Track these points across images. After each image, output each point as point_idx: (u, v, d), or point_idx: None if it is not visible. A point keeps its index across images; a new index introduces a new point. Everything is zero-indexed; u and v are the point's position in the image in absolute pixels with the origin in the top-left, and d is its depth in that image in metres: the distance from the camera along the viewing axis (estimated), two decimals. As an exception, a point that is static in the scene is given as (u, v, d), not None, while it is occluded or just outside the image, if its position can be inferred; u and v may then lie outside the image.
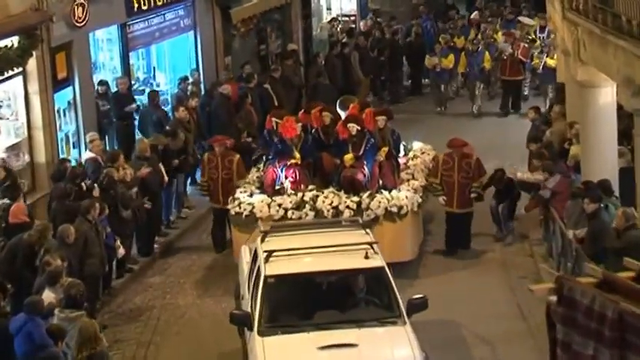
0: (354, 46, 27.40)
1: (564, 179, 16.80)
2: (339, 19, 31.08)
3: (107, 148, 19.45)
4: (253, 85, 22.74)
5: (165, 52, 23.13)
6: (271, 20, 27.39)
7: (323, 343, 11.94)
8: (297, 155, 17.35)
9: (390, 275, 12.84)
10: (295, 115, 18.37)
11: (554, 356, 9.45)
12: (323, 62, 26.46)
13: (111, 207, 16.15)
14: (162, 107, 21.27)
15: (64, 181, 16.35)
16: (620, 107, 16.50)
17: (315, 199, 16.75)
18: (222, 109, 21.44)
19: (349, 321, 12.42)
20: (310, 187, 17.07)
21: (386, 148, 17.67)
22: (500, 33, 27.65)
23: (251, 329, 12.43)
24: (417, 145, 19.20)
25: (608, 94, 16.63)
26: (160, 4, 21.98)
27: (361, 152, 17.24)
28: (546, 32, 26.24)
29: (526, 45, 26.23)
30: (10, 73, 17.50)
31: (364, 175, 17.11)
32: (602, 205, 14.85)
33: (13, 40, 17.36)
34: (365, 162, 17.23)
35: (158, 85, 22.52)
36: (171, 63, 23.32)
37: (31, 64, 17.93)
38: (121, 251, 16.18)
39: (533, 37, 26.70)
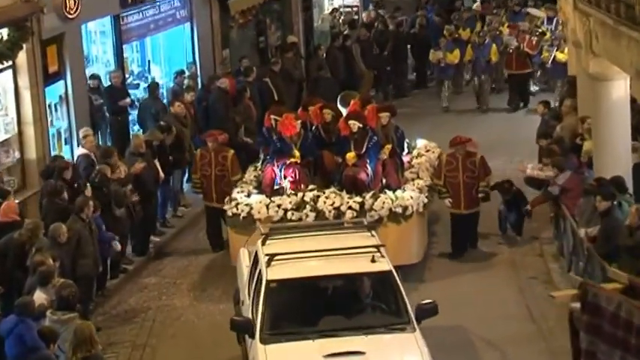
0: (356, 39, 27.49)
1: (575, 175, 16.70)
2: (341, 9, 31.07)
3: (99, 143, 19.40)
4: (252, 79, 22.70)
5: (160, 44, 23.03)
6: (271, 11, 27.34)
7: (329, 351, 11.81)
8: (297, 154, 17.16)
9: (398, 279, 12.72)
10: (295, 111, 18.30)
11: (578, 366, 9.49)
12: (324, 55, 26.35)
13: (104, 205, 16.04)
14: (162, 100, 21.35)
15: (53, 178, 16.26)
16: (633, 101, 16.50)
17: (315, 199, 16.59)
18: (219, 104, 21.28)
19: (356, 328, 12.26)
20: (310, 186, 16.92)
21: (389, 146, 17.50)
22: (506, 25, 27.68)
23: (252, 337, 12.30)
24: (421, 143, 19.12)
25: (621, 88, 16.50)
26: (155, -6, 22.11)
27: (363, 150, 17.08)
28: (554, 23, 26.30)
29: (534, 37, 26.20)
30: (0, 66, 17.30)
31: (367, 175, 16.94)
32: (615, 202, 14.76)
33: (3, 33, 17.21)
34: (368, 160, 17.05)
35: (153, 79, 22.48)
36: (166, 56, 23.23)
37: (21, 57, 17.77)
38: (117, 246, 15.99)
39: (543, 29, 26.68)
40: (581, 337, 9.29)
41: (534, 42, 26.03)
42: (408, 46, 28.80)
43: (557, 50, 25.40)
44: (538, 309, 15.15)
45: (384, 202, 16.46)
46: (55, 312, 12.23)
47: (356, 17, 30.64)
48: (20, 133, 18.07)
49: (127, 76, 21.49)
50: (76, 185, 16.20)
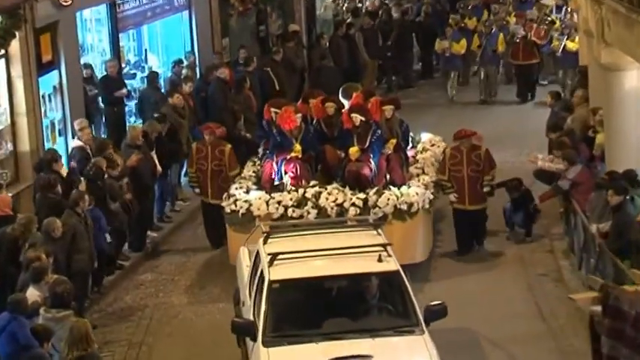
0: (359, 27, 27.49)
1: (586, 169, 16.64)
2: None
3: (94, 135, 19.26)
4: (252, 68, 22.63)
5: (157, 33, 23.02)
6: (271, -1, 27.59)
7: (334, 354, 11.64)
8: (298, 148, 16.93)
9: (405, 280, 12.53)
10: (297, 103, 18.14)
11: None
12: (327, 44, 26.31)
13: (98, 199, 15.93)
14: (161, 90, 21.35)
15: (44, 171, 16.29)
16: (646, 91, 16.60)
17: (317, 195, 16.37)
18: (219, 94, 21.24)
19: (362, 330, 12.10)
20: (312, 182, 16.74)
21: (394, 141, 17.30)
22: (513, 14, 27.69)
23: (254, 339, 12.13)
24: (425, 137, 18.90)
25: (633, 78, 16.49)
26: (152, -19, 22.11)
27: (367, 145, 16.90)
28: (563, 12, 26.23)
29: (543, 26, 26.14)
30: (-8, 56, 17.39)
31: (370, 170, 16.75)
32: (627, 197, 14.70)
33: (-5, 21, 17.31)
34: (371, 155, 16.85)
35: (150, 69, 22.44)
36: (164, 45, 23.22)
37: (14, 46, 17.65)
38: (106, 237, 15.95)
39: (553, 17, 26.66)
40: (602, 341, 9.17)
41: (543, 31, 26.00)
42: (414, 35, 28.82)
43: (567, 39, 25.35)
44: (548, 307, 15.08)
45: (388, 199, 16.26)
46: (49, 309, 12.14)
47: (360, 5, 30.49)
48: (13, 124, 17.98)
49: (123, 65, 21.44)
50: (66, 177, 16.18)
